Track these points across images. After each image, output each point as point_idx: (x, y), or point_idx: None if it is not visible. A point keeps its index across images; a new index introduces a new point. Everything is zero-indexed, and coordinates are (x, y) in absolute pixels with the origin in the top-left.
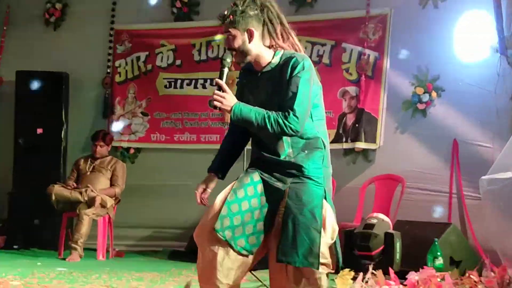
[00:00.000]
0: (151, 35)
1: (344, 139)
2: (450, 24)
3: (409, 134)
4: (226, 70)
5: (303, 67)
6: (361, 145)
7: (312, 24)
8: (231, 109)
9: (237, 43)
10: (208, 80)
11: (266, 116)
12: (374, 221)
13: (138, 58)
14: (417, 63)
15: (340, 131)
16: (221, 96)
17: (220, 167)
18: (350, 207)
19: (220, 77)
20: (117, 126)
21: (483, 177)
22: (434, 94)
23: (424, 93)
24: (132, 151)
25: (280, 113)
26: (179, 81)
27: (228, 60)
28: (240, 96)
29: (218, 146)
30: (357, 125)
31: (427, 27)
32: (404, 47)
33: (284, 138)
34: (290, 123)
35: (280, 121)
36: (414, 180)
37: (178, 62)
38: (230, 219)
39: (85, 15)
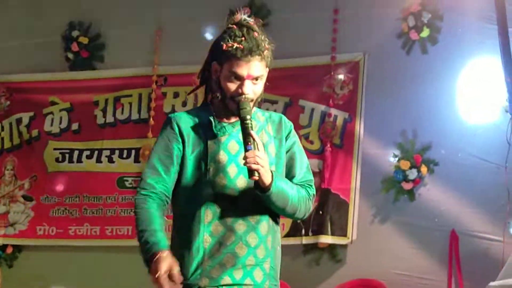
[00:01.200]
0: (37, 89)
1: (303, 232)
2: (445, 75)
3: (391, 224)
4: (252, 122)
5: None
6: (327, 239)
7: None
8: (272, 177)
9: (261, 87)
10: (117, 152)
11: (299, 190)
12: None
13: (19, 121)
14: (401, 127)
15: (298, 221)
16: (260, 157)
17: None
18: None
19: (248, 134)
20: None
21: (491, 284)
22: (424, 169)
23: (410, 168)
24: (9, 250)
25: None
26: (76, 153)
27: (248, 108)
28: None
29: (130, 243)
30: (320, 212)
31: (413, 80)
32: (384, 105)
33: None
34: (312, 202)
35: (310, 199)
36: (399, 286)
37: (74, 126)
38: None
39: None
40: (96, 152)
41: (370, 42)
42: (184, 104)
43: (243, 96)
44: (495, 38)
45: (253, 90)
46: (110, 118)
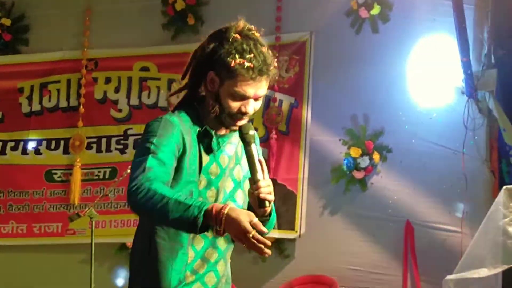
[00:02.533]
0: None
1: None
2: (398, 55)
3: (342, 216)
4: (254, 146)
5: None
6: (273, 233)
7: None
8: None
9: (261, 103)
10: (44, 142)
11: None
12: None
13: None
14: (351, 112)
15: None
16: (271, 186)
17: None
18: None
19: (254, 163)
20: None
21: (448, 277)
22: (376, 156)
23: (362, 155)
24: None
25: None
26: (1, 144)
27: (251, 132)
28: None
29: (59, 241)
30: None
31: (363, 60)
32: (332, 89)
33: None
34: None
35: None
36: (351, 282)
37: None
38: None
39: None
40: (21, 143)
41: (317, 21)
42: (116, 90)
43: (246, 115)
44: (450, 15)
45: (254, 107)
46: (36, 106)
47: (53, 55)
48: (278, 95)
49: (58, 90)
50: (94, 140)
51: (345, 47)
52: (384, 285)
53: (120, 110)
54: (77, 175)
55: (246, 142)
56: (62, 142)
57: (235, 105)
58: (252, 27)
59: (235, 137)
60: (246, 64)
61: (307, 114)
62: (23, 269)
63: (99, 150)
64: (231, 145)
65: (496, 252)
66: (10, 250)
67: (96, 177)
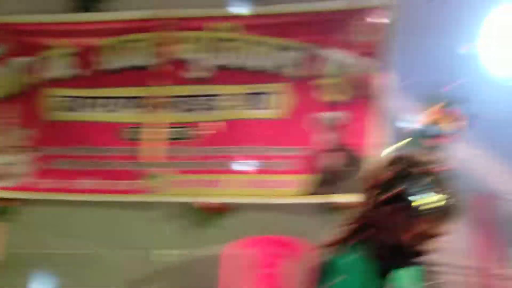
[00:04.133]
0: (38, 32)
1: (321, 190)
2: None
3: None
4: None
5: None
6: (345, 198)
7: (276, 19)
8: None
9: None
10: (121, 100)
11: None
12: None
13: (17, 66)
14: (432, 79)
15: (316, 178)
16: None
17: None
18: None
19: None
20: None
21: None
22: (455, 124)
23: (440, 122)
24: (11, 203)
25: None
26: (79, 101)
27: None
28: None
29: (129, 198)
30: (339, 169)
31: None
32: (412, 56)
33: None
34: None
35: None
36: None
37: (77, 72)
38: None
39: None
40: (99, 101)
41: None
42: (198, 50)
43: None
44: None
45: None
46: (115, 64)
47: (135, 13)
48: (360, 60)
49: (138, 49)
50: (171, 100)
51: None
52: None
53: (200, 70)
54: (154, 134)
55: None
56: (135, 101)
57: (416, 244)
58: (429, 159)
59: None
60: (440, 205)
61: (389, 80)
62: (99, 224)
63: (175, 110)
64: None
65: None
66: (83, 205)
67: (172, 137)
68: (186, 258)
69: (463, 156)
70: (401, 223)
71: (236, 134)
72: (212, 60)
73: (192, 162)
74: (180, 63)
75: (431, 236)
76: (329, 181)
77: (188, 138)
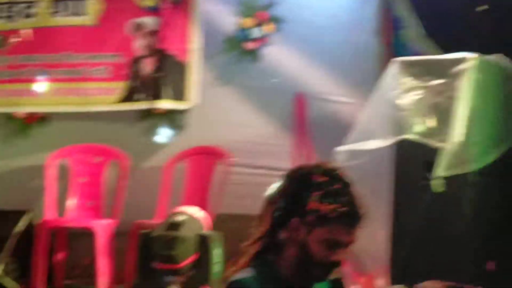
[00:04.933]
0: None
1: (139, 96)
2: None
3: (234, 87)
4: None
5: None
6: (164, 104)
7: None
8: None
9: None
10: None
11: None
12: (181, 218)
13: None
14: None
15: (134, 84)
16: None
17: None
18: (148, 197)
19: None
20: None
21: (339, 148)
22: (269, 27)
23: (255, 26)
24: None
25: None
26: None
27: None
28: None
29: None
30: (158, 74)
31: None
32: None
33: None
34: None
35: None
36: (244, 154)
37: None
38: None
39: None
40: None
41: None
42: None
43: (337, 265)
44: None
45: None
46: None
47: None
48: None
49: None
50: None
51: None
52: (275, 156)
53: None
54: None
55: None
56: None
57: (326, 254)
58: (337, 165)
59: None
60: (340, 209)
61: None
62: None
63: None
64: None
65: (386, 124)
66: None
67: None
68: (7, 169)
69: (278, 58)
70: (306, 235)
71: (49, 42)
72: None
73: (4, 71)
74: None
75: (340, 244)
76: (146, 87)
77: None
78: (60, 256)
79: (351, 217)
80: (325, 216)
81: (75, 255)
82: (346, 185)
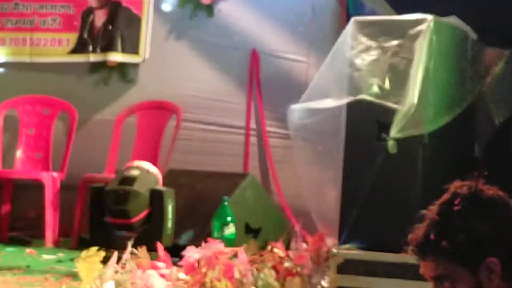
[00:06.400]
0: None
1: (90, 48)
2: None
3: (188, 41)
4: None
5: None
6: (116, 56)
7: None
8: None
9: None
10: None
11: None
12: (134, 172)
13: None
14: None
15: (85, 36)
16: None
17: None
18: (99, 150)
19: None
20: None
21: (293, 106)
22: None
23: None
24: None
25: None
26: None
27: None
28: None
29: None
30: (110, 27)
31: None
32: None
33: None
34: None
35: None
36: (196, 109)
37: None
38: None
39: None
40: None
41: None
42: None
43: None
44: None
45: None
46: None
47: None
48: None
49: None
50: None
51: None
52: (228, 113)
53: None
54: None
55: None
56: None
57: None
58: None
59: None
60: None
61: None
62: None
63: None
64: None
65: (342, 84)
66: None
67: None
68: None
69: (233, 13)
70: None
71: None
72: None
73: None
74: None
75: None
76: (98, 39)
77: None
78: (4, 208)
79: None
80: None
81: (20, 207)
82: None
